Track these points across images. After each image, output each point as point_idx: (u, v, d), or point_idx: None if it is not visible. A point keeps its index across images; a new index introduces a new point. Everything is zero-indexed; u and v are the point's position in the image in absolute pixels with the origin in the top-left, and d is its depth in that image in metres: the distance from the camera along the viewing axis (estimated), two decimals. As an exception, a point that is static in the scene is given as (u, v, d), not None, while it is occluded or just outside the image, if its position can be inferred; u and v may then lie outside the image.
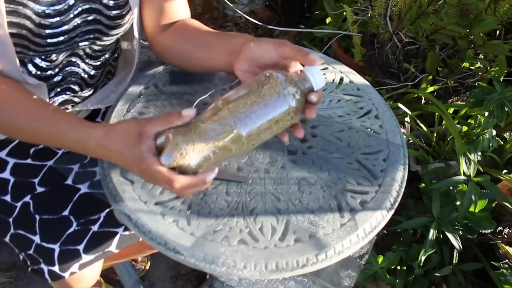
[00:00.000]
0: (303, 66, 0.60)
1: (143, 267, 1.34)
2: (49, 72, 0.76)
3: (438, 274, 1.16)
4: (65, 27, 0.70)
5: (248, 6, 2.28)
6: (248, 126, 0.54)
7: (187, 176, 0.55)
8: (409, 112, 1.31)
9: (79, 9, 0.71)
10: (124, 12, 0.76)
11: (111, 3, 0.74)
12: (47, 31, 0.68)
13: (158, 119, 0.57)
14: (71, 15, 0.70)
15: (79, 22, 0.72)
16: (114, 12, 0.75)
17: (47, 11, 0.67)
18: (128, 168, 0.59)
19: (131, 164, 0.57)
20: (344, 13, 1.52)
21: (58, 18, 0.68)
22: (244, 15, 1.59)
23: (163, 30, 0.79)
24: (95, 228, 0.79)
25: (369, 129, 0.76)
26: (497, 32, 1.33)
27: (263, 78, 0.56)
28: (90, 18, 0.73)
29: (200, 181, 0.56)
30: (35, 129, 0.63)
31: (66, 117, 0.63)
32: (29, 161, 0.84)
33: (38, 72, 0.75)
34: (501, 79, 1.21)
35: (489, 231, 1.11)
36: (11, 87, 0.65)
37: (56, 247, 0.77)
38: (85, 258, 0.78)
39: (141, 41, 0.86)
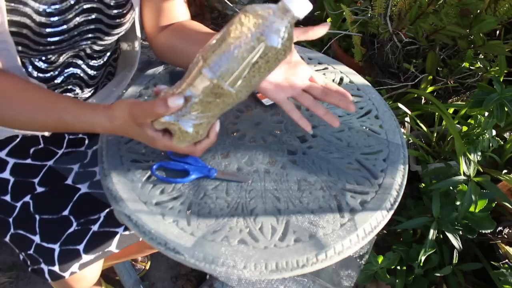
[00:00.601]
0: None
1: (143, 267, 1.33)
2: (49, 74, 0.76)
3: (438, 274, 1.16)
4: (65, 26, 0.70)
5: (248, 6, 2.27)
6: (225, 73, 0.51)
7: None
8: (409, 112, 1.31)
9: (80, 8, 0.71)
10: (124, 11, 0.76)
11: (112, 2, 0.74)
12: (48, 30, 0.68)
13: (145, 107, 0.57)
14: (72, 14, 0.70)
15: (80, 21, 0.72)
16: (115, 11, 0.75)
17: (48, 10, 0.67)
18: (138, 137, 0.62)
19: (138, 134, 0.61)
20: (344, 13, 1.52)
21: (59, 17, 0.68)
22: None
23: (163, 29, 0.79)
24: (95, 228, 0.79)
25: (369, 129, 0.76)
26: (497, 32, 1.33)
27: (235, 18, 0.51)
28: (91, 17, 0.73)
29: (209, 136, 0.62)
30: (40, 122, 0.64)
31: (68, 106, 0.64)
32: (29, 161, 0.84)
33: (39, 74, 0.75)
34: (501, 79, 1.21)
35: (489, 231, 1.11)
36: (10, 81, 0.65)
37: (56, 247, 0.77)
38: (85, 258, 0.78)
39: (141, 41, 0.86)
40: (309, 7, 0.50)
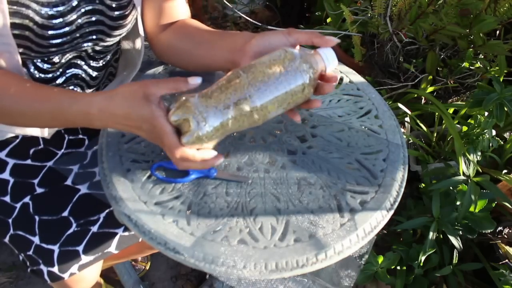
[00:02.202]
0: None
1: (143, 267, 1.33)
2: (51, 75, 0.76)
3: (438, 274, 1.16)
4: (67, 28, 0.70)
5: (248, 6, 2.28)
6: (262, 98, 0.56)
7: (191, 150, 0.55)
8: (409, 112, 1.31)
9: (82, 10, 0.71)
10: (126, 13, 0.76)
11: (114, 4, 0.74)
12: (50, 32, 0.68)
13: (164, 82, 0.57)
14: (74, 16, 0.70)
15: (81, 23, 0.72)
16: (117, 12, 0.75)
17: (50, 12, 0.67)
18: (135, 129, 0.58)
19: (139, 124, 0.57)
20: (344, 13, 1.52)
21: (61, 19, 0.68)
22: (244, 15, 1.59)
23: (163, 29, 0.79)
24: (94, 229, 0.79)
25: (368, 129, 0.76)
26: (497, 32, 1.33)
27: (279, 53, 0.58)
28: (93, 19, 0.73)
29: (201, 159, 0.56)
30: (37, 110, 0.62)
31: (66, 92, 0.63)
32: (28, 161, 0.84)
33: (41, 75, 0.75)
34: (501, 79, 1.21)
35: (489, 231, 1.11)
36: (5, 75, 0.65)
37: (56, 248, 0.77)
38: (85, 259, 0.78)
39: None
40: (335, 63, 0.60)
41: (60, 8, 0.68)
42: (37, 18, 0.66)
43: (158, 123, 0.55)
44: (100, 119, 0.58)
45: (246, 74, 0.56)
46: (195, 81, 0.57)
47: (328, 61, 0.60)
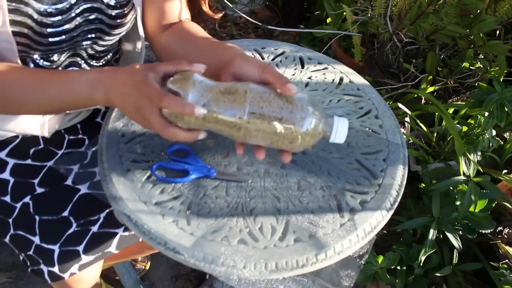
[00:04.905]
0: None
1: (143, 267, 1.33)
2: None
3: (438, 274, 1.16)
4: (66, 26, 0.70)
5: (248, 6, 2.28)
6: (252, 120, 0.55)
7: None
8: (409, 112, 1.31)
9: (81, 8, 0.71)
10: (125, 11, 0.76)
11: (113, 2, 0.74)
12: (49, 29, 0.68)
13: (167, 62, 0.59)
14: (73, 14, 0.70)
15: (80, 21, 0.72)
16: (116, 11, 0.75)
17: (48, 10, 0.67)
18: (129, 97, 0.59)
19: (133, 90, 0.58)
20: (344, 13, 1.52)
21: (59, 17, 0.68)
22: (244, 15, 1.59)
23: (163, 30, 0.79)
24: (94, 228, 0.79)
25: (369, 129, 0.76)
26: (497, 32, 1.33)
27: (299, 97, 0.56)
28: (92, 17, 0.73)
29: (187, 112, 0.55)
30: (45, 91, 0.64)
31: (72, 70, 0.65)
32: (29, 161, 0.84)
33: None
34: (501, 79, 1.21)
35: (489, 231, 1.11)
36: (6, 66, 0.65)
37: (56, 248, 0.77)
38: (85, 259, 0.78)
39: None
40: (342, 139, 0.58)
41: (59, 6, 0.68)
42: (35, 16, 0.66)
43: (148, 83, 0.56)
44: (104, 84, 0.61)
45: (252, 94, 0.56)
46: (200, 67, 0.59)
47: (335, 132, 0.57)
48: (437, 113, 1.35)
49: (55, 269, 0.77)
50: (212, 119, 0.56)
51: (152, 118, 0.56)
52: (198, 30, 0.78)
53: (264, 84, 0.59)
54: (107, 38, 0.78)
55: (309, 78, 0.85)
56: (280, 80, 0.57)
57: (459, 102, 1.43)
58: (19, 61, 0.68)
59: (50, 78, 0.64)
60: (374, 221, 0.62)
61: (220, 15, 0.86)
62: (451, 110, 1.34)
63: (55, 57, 0.75)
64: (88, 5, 0.71)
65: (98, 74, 0.61)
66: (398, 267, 1.17)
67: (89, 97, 0.62)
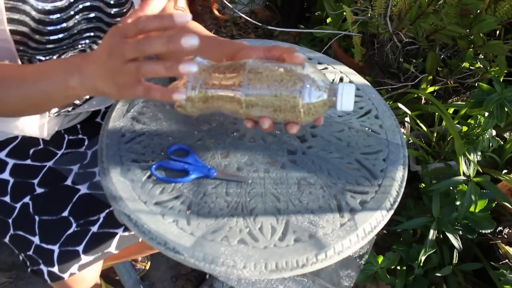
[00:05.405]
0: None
1: (143, 267, 1.33)
2: None
3: (438, 274, 1.16)
4: (65, 24, 0.70)
5: (248, 6, 2.28)
6: (250, 94, 0.54)
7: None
8: (409, 112, 1.31)
9: (80, 6, 0.71)
10: (124, 10, 0.76)
11: (112, 0, 0.74)
12: (47, 28, 0.68)
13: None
14: (72, 12, 0.70)
15: (79, 19, 0.72)
16: (115, 9, 0.75)
17: (47, 8, 0.67)
18: (97, 59, 0.53)
19: (101, 49, 0.53)
20: (344, 13, 1.52)
21: (58, 15, 0.68)
22: (244, 16, 1.59)
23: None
24: (94, 229, 0.79)
25: (368, 129, 0.76)
26: (497, 32, 1.33)
27: (295, 66, 0.55)
28: (91, 15, 0.73)
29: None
30: (22, 82, 0.59)
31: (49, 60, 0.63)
32: (28, 161, 0.84)
33: None
34: (501, 79, 1.21)
35: (489, 231, 1.11)
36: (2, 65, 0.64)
37: (56, 248, 0.77)
38: (85, 259, 0.78)
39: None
40: (350, 107, 0.55)
41: (58, 4, 0.67)
42: (33, 13, 0.65)
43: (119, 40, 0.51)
44: (79, 65, 0.55)
45: (250, 66, 0.55)
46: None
47: (341, 99, 0.55)
48: (437, 113, 1.35)
49: (55, 269, 0.77)
50: (214, 97, 0.56)
51: (127, 66, 0.51)
52: (199, 28, 0.78)
53: None
54: None
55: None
56: (287, 50, 0.57)
57: (459, 102, 1.43)
58: (19, 61, 0.68)
59: (28, 70, 0.61)
60: (374, 221, 0.62)
61: (226, 16, 0.86)
62: (451, 110, 1.34)
63: (54, 57, 0.75)
64: (87, 3, 0.71)
65: (73, 57, 0.58)
66: (398, 267, 1.17)
67: (63, 80, 0.56)
